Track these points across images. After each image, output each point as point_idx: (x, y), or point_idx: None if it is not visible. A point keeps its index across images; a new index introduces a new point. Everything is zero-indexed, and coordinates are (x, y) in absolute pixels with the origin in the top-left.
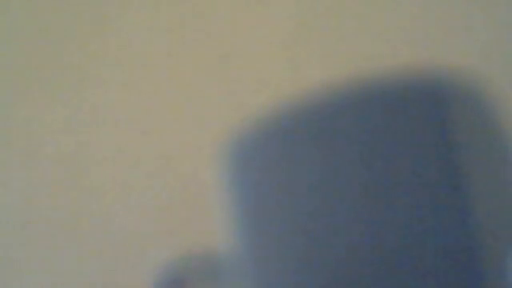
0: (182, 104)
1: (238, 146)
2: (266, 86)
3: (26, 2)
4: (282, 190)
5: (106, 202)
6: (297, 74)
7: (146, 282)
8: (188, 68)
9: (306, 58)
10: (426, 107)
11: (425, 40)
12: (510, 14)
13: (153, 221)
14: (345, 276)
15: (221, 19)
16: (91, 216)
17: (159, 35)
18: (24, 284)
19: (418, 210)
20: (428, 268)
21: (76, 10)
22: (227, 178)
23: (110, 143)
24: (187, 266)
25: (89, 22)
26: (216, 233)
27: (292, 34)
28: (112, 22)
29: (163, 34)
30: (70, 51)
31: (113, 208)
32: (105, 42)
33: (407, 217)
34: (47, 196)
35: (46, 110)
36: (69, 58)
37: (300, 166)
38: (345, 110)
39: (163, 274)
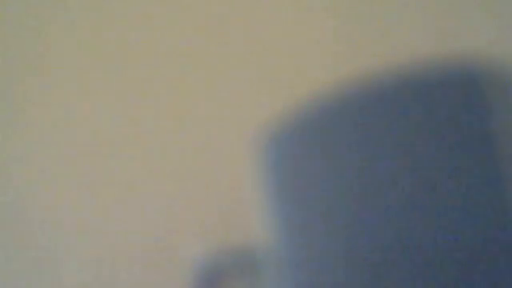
0: (217, 100)
1: (276, 141)
2: (299, 82)
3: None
4: (318, 185)
5: (139, 193)
6: (330, 70)
7: (182, 277)
8: (221, 63)
9: (345, 55)
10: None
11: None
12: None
13: (190, 216)
14: (385, 275)
15: (256, 14)
16: (121, 211)
17: (188, 32)
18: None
19: (457, 204)
20: (448, 267)
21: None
22: (264, 173)
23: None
24: (224, 262)
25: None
26: (253, 228)
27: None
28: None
29: (193, 31)
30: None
31: (147, 201)
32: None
33: (441, 214)
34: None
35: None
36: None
37: (335, 161)
38: (373, 106)
39: (200, 269)
